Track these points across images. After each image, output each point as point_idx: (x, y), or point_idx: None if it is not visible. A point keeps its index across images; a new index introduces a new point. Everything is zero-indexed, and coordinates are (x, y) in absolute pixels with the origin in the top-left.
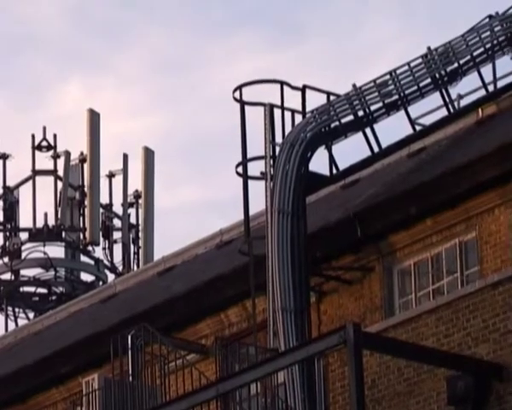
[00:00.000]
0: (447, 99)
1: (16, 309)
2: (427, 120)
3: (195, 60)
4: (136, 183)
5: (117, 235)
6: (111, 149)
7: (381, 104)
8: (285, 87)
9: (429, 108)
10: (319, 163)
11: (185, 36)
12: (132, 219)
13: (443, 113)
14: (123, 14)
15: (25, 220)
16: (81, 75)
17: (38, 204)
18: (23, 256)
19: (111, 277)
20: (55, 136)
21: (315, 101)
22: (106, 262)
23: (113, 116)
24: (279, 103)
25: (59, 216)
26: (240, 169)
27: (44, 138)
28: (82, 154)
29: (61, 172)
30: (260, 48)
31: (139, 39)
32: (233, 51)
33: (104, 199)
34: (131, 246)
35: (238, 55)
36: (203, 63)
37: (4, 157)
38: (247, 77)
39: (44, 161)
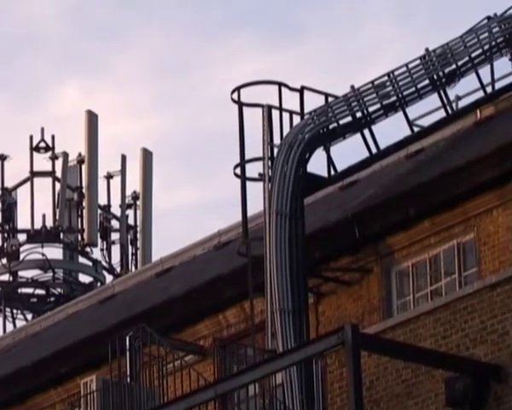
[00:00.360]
0: (445, 100)
1: (14, 310)
2: (426, 122)
3: (194, 61)
4: (134, 184)
5: (115, 236)
6: (109, 150)
7: (379, 106)
8: (283, 88)
9: (427, 109)
10: (317, 164)
11: (184, 37)
12: (130, 220)
13: (441, 114)
14: (122, 15)
15: (23, 222)
16: (80, 76)
17: (36, 205)
18: (21, 257)
19: (109, 278)
20: (53, 137)
21: (313, 102)
22: (104, 263)
23: (111, 117)
24: (277, 104)
25: (57, 217)
26: (238, 170)
27: (42, 140)
28: (80, 155)
29: (59, 174)
30: (260, 49)
31: (138, 40)
32: (232, 52)
33: (102, 200)
34: (129, 247)
35: (237, 57)
36: (202, 64)
37: (2, 158)
38: (247, 78)
39: (42, 162)
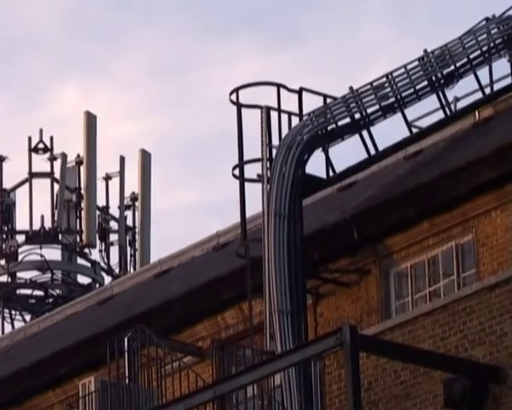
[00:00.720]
0: (444, 102)
1: (13, 311)
2: (424, 123)
3: (193, 62)
4: (132, 185)
5: (113, 237)
6: (108, 151)
7: (377, 107)
8: (282, 90)
9: (426, 110)
10: (316, 166)
11: (183, 38)
12: (129, 222)
13: (440, 115)
14: (120, 16)
15: (21, 223)
16: (78, 77)
17: (35, 206)
18: (20, 258)
19: (107, 279)
20: (51, 138)
21: (312, 103)
22: (102, 264)
23: (109, 119)
24: (276, 106)
25: (55, 219)
26: (236, 171)
27: (41, 141)
28: (78, 156)
29: (57, 175)
30: (258, 50)
31: (136, 42)
32: (231, 54)
33: (101, 201)
34: (128, 248)
35: (236, 58)
36: (201, 66)
37: (1, 159)
38: (246, 79)
39: (41, 163)
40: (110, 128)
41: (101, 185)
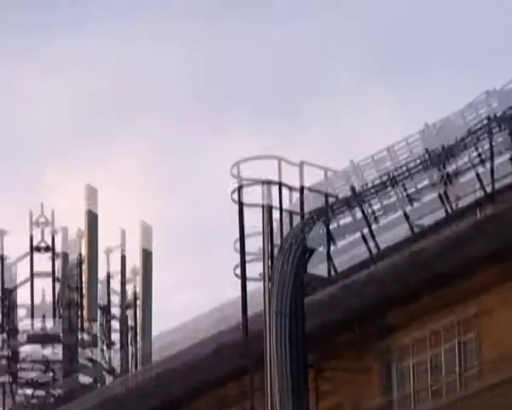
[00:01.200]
0: (445, 200)
1: None
2: (426, 221)
3: (193, 142)
4: (133, 259)
5: (115, 337)
6: (109, 223)
7: (379, 205)
8: (283, 163)
9: (428, 209)
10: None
11: (182, 117)
12: (130, 297)
13: (441, 214)
14: (121, 100)
15: (23, 298)
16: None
17: (36, 301)
18: (21, 357)
19: (109, 379)
20: (52, 212)
21: (313, 176)
22: (104, 364)
23: (110, 192)
24: (277, 179)
25: (57, 318)
26: (238, 271)
27: (42, 215)
28: (80, 230)
29: (58, 262)
30: (258, 125)
31: (136, 124)
32: (230, 128)
33: (102, 274)
34: (129, 348)
35: (234, 132)
36: (200, 144)
37: (2, 234)
38: (246, 154)
39: (42, 260)
40: (111, 201)
41: (102, 258)
